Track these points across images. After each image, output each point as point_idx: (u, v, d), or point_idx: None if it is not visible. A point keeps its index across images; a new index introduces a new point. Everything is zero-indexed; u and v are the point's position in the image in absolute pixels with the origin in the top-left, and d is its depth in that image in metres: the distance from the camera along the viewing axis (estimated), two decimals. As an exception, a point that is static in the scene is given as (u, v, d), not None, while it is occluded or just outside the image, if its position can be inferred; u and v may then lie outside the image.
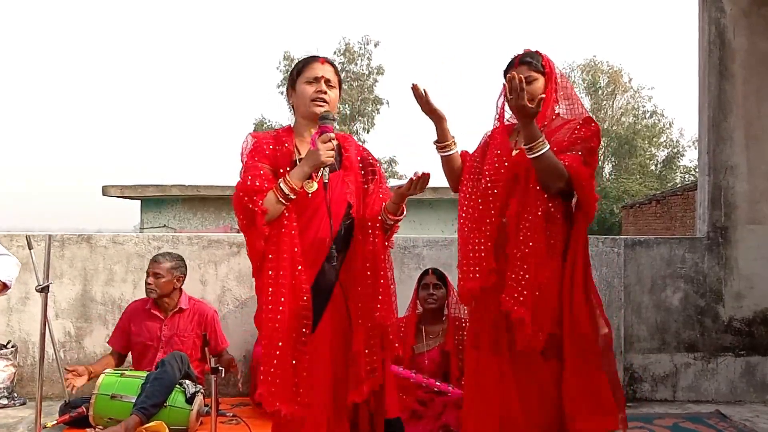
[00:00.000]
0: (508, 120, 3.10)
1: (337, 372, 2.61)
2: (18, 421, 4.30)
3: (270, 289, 2.52)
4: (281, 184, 2.52)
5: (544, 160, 2.78)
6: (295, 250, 2.53)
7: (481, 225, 2.91)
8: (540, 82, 2.95)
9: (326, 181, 2.56)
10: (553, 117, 2.99)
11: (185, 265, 4.54)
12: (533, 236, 2.79)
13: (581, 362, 2.83)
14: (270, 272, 2.53)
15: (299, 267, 2.53)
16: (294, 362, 2.52)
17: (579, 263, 2.87)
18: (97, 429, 3.85)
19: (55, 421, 3.97)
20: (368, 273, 2.62)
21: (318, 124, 2.61)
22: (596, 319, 2.89)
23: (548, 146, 2.78)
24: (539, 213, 2.82)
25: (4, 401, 4.61)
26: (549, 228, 2.84)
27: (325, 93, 2.64)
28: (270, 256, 2.54)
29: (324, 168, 2.55)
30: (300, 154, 2.64)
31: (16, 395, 4.70)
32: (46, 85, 55.95)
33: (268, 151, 2.65)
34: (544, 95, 2.87)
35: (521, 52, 3.03)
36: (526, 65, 2.96)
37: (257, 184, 2.52)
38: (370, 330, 2.61)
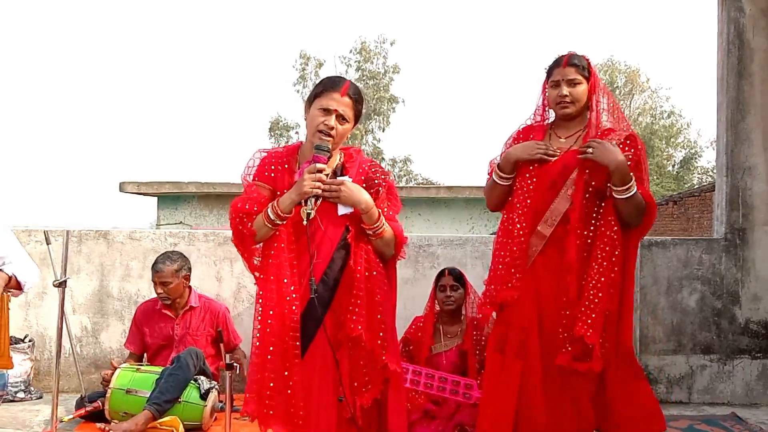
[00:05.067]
0: (546, 121, 3.08)
1: (337, 395, 2.60)
2: (35, 414, 4.34)
3: (260, 309, 2.58)
4: (269, 210, 2.56)
5: (635, 200, 2.80)
6: (285, 273, 2.55)
7: (516, 235, 2.92)
8: (584, 86, 2.93)
9: (309, 212, 2.54)
10: (601, 129, 2.93)
11: (187, 260, 4.49)
12: (608, 262, 2.81)
13: (625, 374, 2.88)
14: (260, 292, 2.60)
15: (292, 287, 2.55)
16: (290, 383, 2.54)
17: (630, 279, 2.90)
18: (112, 423, 3.87)
19: (72, 416, 4.00)
20: (353, 288, 2.59)
21: (312, 152, 2.59)
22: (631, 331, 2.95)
23: (636, 188, 2.79)
24: (611, 233, 2.83)
25: (21, 395, 4.65)
26: (617, 246, 2.85)
27: (332, 128, 2.59)
28: (261, 276, 2.61)
29: (310, 198, 2.54)
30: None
31: (32, 389, 4.74)
32: (64, 82, 56.39)
33: (268, 172, 2.68)
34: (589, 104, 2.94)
35: (567, 52, 3.00)
36: (574, 67, 2.93)
37: (247, 207, 2.58)
38: (349, 344, 2.60)
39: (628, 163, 2.81)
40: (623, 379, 2.88)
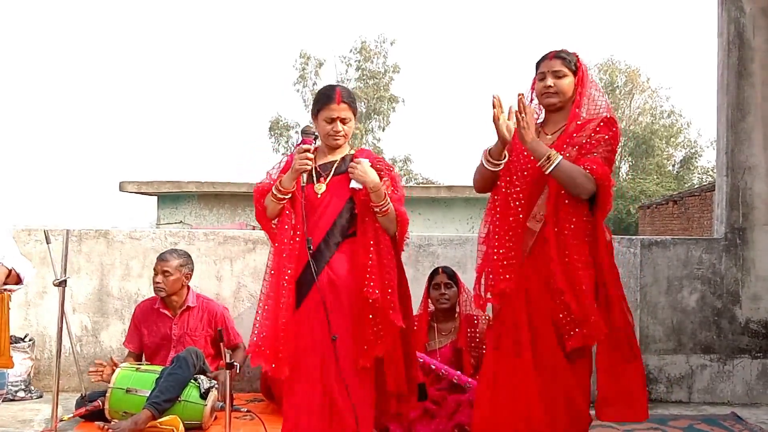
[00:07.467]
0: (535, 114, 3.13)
1: (325, 349, 2.99)
2: (35, 414, 4.34)
3: (270, 270, 3.05)
4: (273, 187, 3.08)
5: (560, 173, 2.84)
6: (289, 241, 3.04)
7: (509, 227, 2.97)
8: (569, 79, 3.02)
9: (303, 184, 3.06)
10: (580, 120, 3.00)
11: (192, 262, 4.54)
12: (577, 244, 2.88)
13: (614, 354, 2.89)
14: (271, 256, 3.07)
15: (297, 251, 3.03)
16: (283, 327, 2.98)
17: (606, 258, 2.92)
18: (112, 422, 3.88)
19: (72, 415, 4.00)
20: (367, 255, 3.02)
21: (301, 137, 3.04)
22: (627, 312, 2.95)
23: (559, 158, 2.84)
24: (575, 219, 2.90)
25: (22, 394, 4.65)
26: (585, 229, 2.92)
27: (339, 132, 3.11)
28: (276, 244, 3.09)
29: (303, 174, 3.05)
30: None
31: (33, 388, 4.74)
32: (65, 81, 56.42)
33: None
34: (573, 96, 3.01)
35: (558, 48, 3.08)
36: (560, 59, 3.03)
37: (264, 188, 3.13)
38: (361, 303, 3.00)
39: (596, 138, 2.93)
40: (611, 360, 2.89)
